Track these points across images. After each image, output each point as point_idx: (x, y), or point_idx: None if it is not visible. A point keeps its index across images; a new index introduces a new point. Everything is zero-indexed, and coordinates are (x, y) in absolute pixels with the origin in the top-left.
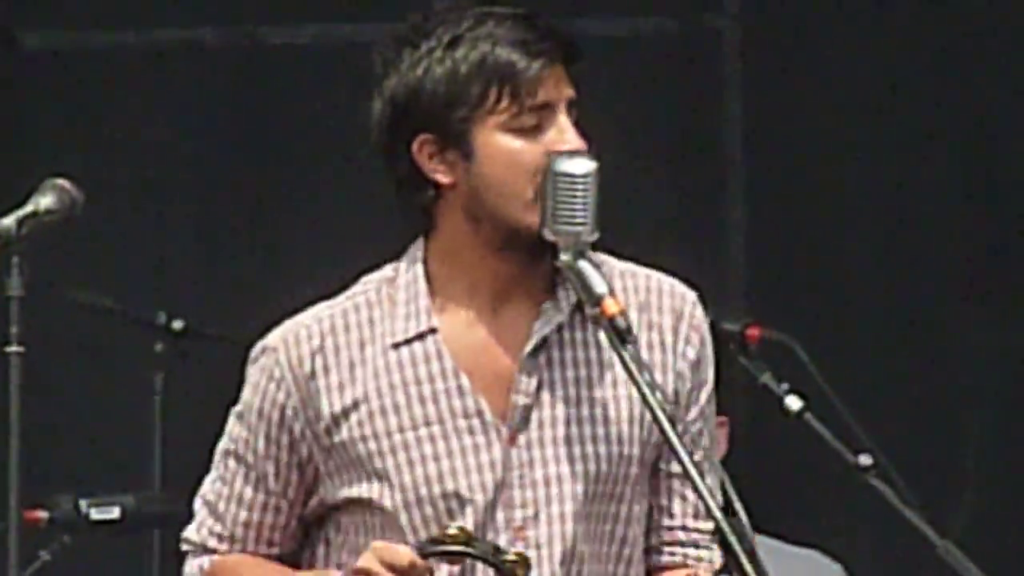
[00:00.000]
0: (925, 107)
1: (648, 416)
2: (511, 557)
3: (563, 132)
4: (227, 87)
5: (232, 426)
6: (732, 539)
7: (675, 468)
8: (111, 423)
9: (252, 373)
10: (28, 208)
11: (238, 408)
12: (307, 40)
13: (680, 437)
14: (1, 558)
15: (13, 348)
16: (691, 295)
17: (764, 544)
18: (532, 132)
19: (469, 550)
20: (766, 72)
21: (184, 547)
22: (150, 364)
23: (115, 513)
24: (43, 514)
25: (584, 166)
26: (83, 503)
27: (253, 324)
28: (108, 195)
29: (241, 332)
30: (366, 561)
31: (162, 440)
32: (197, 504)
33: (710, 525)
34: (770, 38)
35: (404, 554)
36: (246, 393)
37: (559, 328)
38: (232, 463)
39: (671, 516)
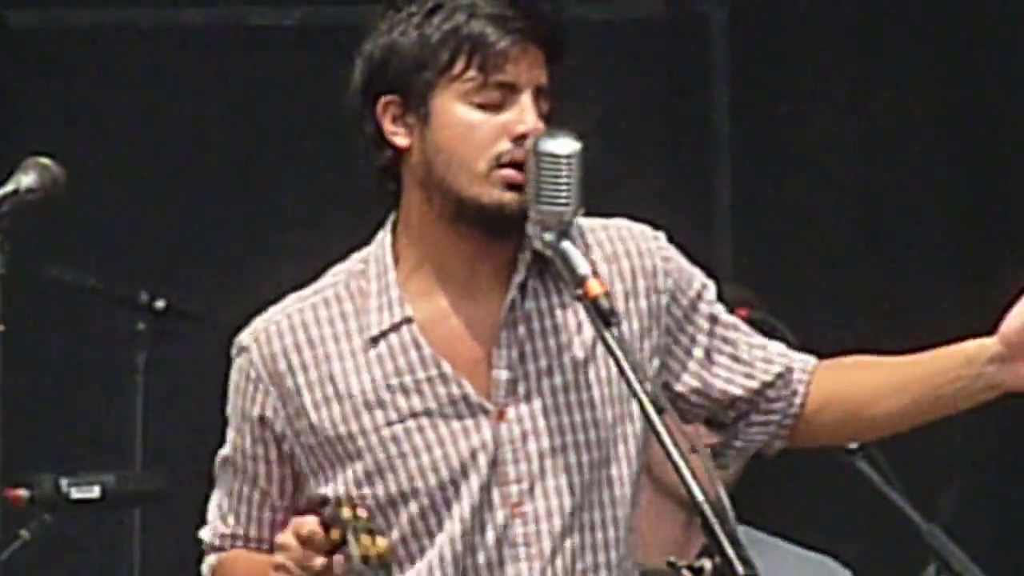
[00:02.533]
0: (912, 89)
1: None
2: (377, 545)
3: (522, 113)
4: (211, 67)
5: (228, 430)
6: (714, 523)
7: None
8: (92, 402)
9: (232, 374)
10: (9, 186)
11: (227, 410)
12: (293, 22)
13: (661, 416)
14: None
15: None
16: (650, 231)
17: (773, 545)
18: (493, 108)
19: (347, 519)
20: (753, 56)
21: (203, 547)
22: (132, 343)
23: (95, 492)
24: (24, 492)
25: (568, 146)
26: (64, 482)
27: (235, 304)
28: (90, 173)
29: (223, 311)
30: (283, 536)
31: (143, 419)
32: (209, 506)
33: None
34: (757, 22)
35: (306, 523)
36: (229, 395)
37: (532, 296)
38: (229, 466)
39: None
